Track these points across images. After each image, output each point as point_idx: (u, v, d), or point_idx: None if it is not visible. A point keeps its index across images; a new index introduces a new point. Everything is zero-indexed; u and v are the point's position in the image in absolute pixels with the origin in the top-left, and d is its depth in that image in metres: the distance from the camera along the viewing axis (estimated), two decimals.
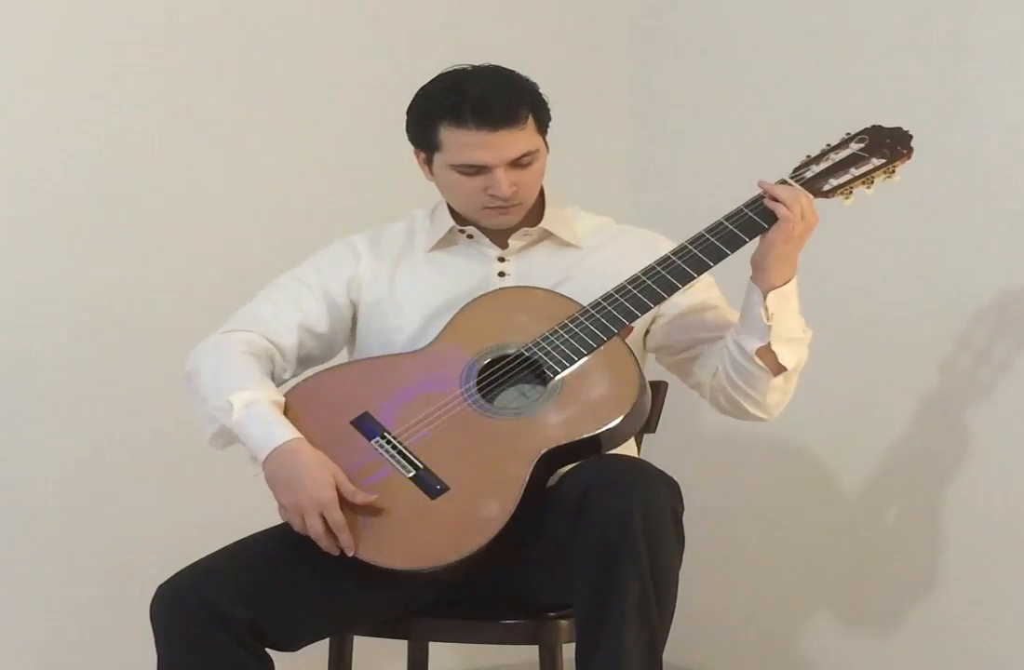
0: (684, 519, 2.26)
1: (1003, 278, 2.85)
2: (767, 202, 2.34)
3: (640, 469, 2.25)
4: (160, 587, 2.30)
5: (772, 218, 2.33)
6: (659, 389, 2.59)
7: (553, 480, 2.32)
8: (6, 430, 3.17)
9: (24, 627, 3.19)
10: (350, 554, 2.26)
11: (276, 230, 3.32)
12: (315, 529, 2.25)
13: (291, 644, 2.32)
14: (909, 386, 3.02)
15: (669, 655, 2.28)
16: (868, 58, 3.12)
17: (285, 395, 2.39)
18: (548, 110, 2.43)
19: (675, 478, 2.28)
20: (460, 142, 2.37)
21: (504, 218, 2.46)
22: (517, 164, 2.39)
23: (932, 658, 3.04)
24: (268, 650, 2.28)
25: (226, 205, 3.32)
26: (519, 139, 2.37)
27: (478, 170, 2.39)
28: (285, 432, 2.31)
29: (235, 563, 2.30)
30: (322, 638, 2.44)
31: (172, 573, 2.32)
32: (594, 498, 2.18)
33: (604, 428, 2.27)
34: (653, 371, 2.53)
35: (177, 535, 3.19)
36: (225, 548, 2.35)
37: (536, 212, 2.50)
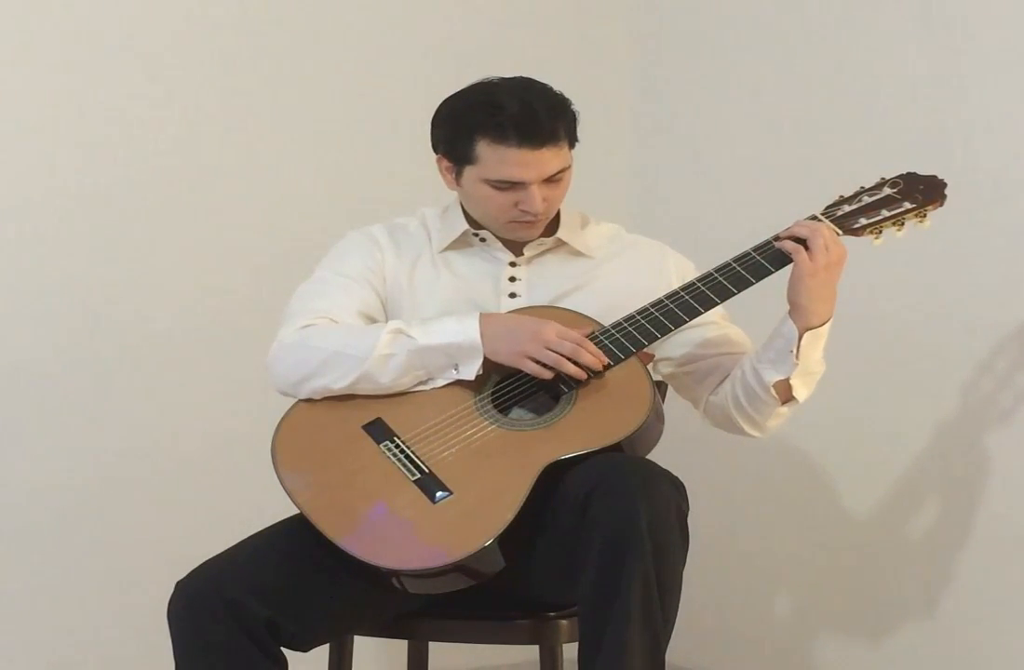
0: (688, 519, 2.26)
1: None
2: (776, 244, 2.37)
3: (646, 469, 2.25)
4: (179, 583, 2.30)
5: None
6: (660, 388, 2.60)
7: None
8: (8, 432, 3.17)
9: (29, 629, 3.20)
10: (598, 367, 2.32)
11: (280, 234, 3.33)
12: (550, 359, 2.31)
13: (305, 643, 2.34)
14: (921, 401, 3.04)
15: (672, 655, 2.28)
16: (877, 69, 3.13)
17: (302, 400, 2.41)
18: (577, 126, 2.44)
19: (679, 478, 2.28)
20: (500, 158, 2.38)
21: (528, 231, 2.49)
22: (549, 180, 2.41)
23: (932, 661, 3.04)
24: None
25: (230, 207, 3.32)
26: (556, 156, 2.40)
27: (512, 185, 2.40)
28: (467, 314, 2.37)
29: (253, 561, 2.31)
30: (334, 638, 2.45)
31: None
32: (599, 497, 2.19)
33: (609, 444, 2.29)
34: (653, 372, 2.53)
35: (179, 537, 3.21)
36: (240, 545, 2.36)
37: (550, 220, 2.52)
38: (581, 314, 2.42)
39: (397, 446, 2.34)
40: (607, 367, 2.35)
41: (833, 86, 3.22)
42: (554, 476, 2.27)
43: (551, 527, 2.28)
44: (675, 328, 2.38)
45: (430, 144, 2.49)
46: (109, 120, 3.21)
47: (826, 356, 2.41)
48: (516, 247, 2.53)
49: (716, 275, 2.38)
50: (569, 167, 2.44)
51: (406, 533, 2.27)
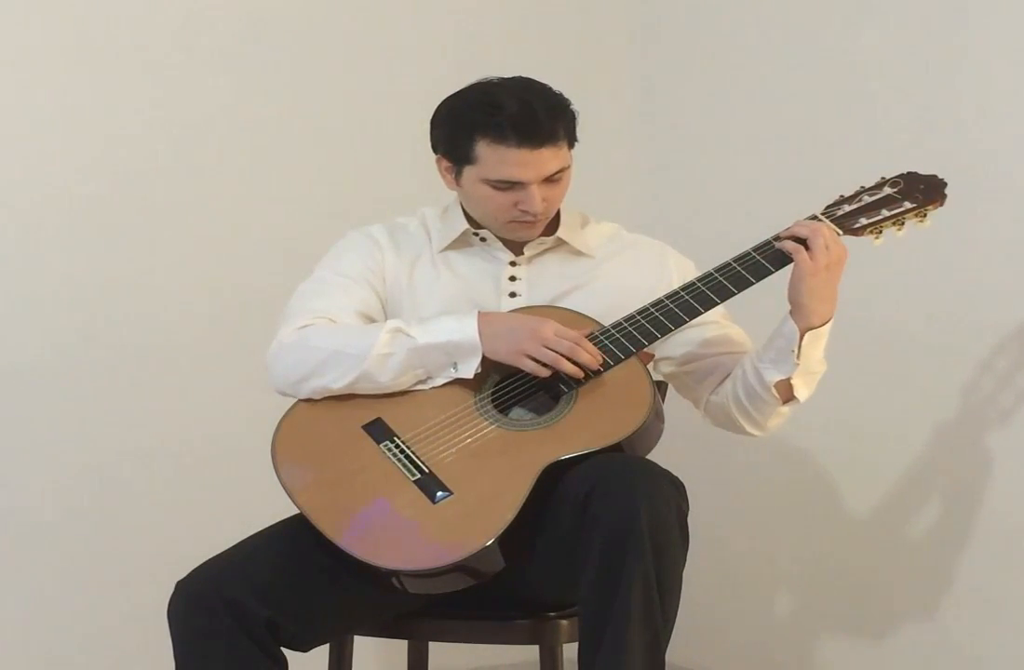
0: (688, 519, 2.26)
1: None
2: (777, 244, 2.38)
3: (645, 468, 2.25)
4: (179, 583, 2.30)
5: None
6: (660, 388, 2.60)
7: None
8: (8, 432, 3.17)
9: (29, 629, 3.20)
10: (595, 367, 2.32)
11: (280, 234, 3.33)
12: (549, 358, 2.32)
13: (305, 643, 2.34)
14: (921, 401, 3.04)
15: (672, 655, 2.28)
16: (877, 68, 3.13)
17: (302, 399, 2.41)
18: (577, 126, 2.45)
19: (679, 478, 2.28)
20: (499, 158, 2.38)
21: (527, 231, 2.50)
22: (549, 180, 2.42)
23: (932, 661, 3.04)
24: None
25: (230, 207, 3.33)
26: (556, 156, 2.40)
27: (511, 185, 2.41)
28: (466, 313, 2.38)
29: (253, 561, 2.31)
30: (334, 638, 2.46)
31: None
32: (599, 497, 2.19)
33: (609, 444, 2.29)
34: (654, 372, 2.53)
35: (179, 537, 3.20)
36: (240, 545, 2.36)
37: (550, 220, 2.52)
38: (581, 314, 2.42)
39: (397, 446, 2.35)
40: (607, 367, 2.35)
41: (833, 86, 3.23)
42: (554, 476, 2.27)
43: (551, 527, 2.28)
44: (675, 328, 2.38)
45: (430, 144, 2.49)
46: (110, 120, 3.21)
47: (827, 356, 2.42)
48: (516, 247, 2.54)
49: (716, 275, 2.38)
50: (569, 167, 2.44)
51: (406, 533, 2.27)
